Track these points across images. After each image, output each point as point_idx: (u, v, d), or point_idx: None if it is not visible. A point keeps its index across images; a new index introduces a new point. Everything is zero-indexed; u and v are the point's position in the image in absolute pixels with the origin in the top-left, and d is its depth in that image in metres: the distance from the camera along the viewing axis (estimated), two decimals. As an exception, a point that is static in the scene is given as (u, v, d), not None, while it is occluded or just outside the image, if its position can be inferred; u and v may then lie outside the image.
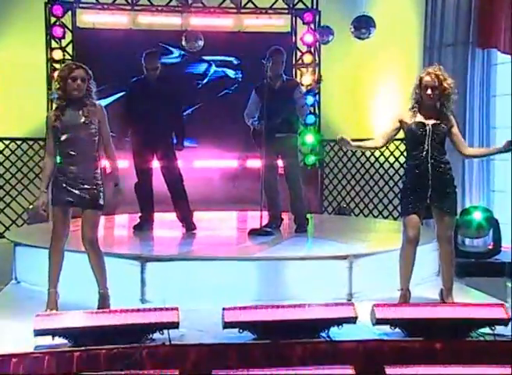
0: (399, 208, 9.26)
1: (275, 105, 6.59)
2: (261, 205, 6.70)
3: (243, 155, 9.77)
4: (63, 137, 4.69)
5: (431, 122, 4.91)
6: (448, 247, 5.04)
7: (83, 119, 4.70)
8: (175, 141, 7.05)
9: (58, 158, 4.82)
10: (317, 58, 10.20)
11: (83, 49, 9.53)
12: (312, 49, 10.21)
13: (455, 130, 5.00)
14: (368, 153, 10.04)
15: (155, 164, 7.01)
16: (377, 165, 10.08)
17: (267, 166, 6.77)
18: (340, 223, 8.38)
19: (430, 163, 4.88)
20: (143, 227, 6.96)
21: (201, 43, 9.34)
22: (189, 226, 6.93)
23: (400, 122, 5.01)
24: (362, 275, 5.55)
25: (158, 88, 6.84)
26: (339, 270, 5.51)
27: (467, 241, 8.16)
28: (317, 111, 10.16)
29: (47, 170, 4.79)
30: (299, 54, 10.28)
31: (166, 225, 7.35)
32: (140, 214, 7.07)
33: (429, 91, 4.88)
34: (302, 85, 8.29)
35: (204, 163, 9.81)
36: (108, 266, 4.92)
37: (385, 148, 9.74)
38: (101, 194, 4.80)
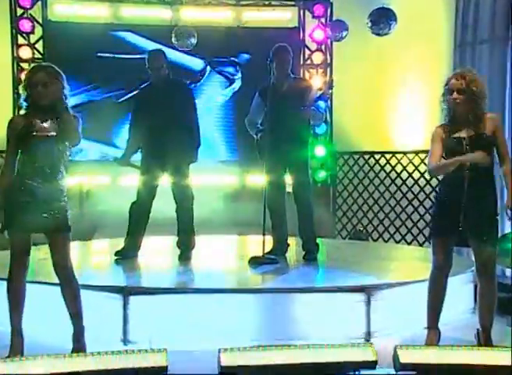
0: (425, 231, 9.36)
1: (282, 110, 6.57)
2: (264, 229, 6.66)
3: (243, 169, 9.76)
4: (29, 151, 4.65)
5: (468, 135, 4.89)
6: (488, 282, 4.98)
7: (52, 132, 4.66)
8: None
9: (19, 174, 4.73)
10: (328, 58, 10.21)
11: (56, 46, 9.54)
12: (323, 47, 10.23)
13: (498, 135, 4.94)
14: (388, 168, 10.02)
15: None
16: (398, 181, 10.05)
17: (272, 183, 6.74)
18: (356, 250, 8.35)
19: (467, 183, 4.85)
20: (127, 254, 6.91)
21: (194, 40, 9.34)
22: (185, 256, 6.91)
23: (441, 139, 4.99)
24: (382, 311, 5.50)
25: (167, 91, 6.83)
26: (355, 305, 5.46)
27: (508, 271, 8.09)
28: (328, 119, 10.15)
29: (3, 183, 4.71)
30: (308, 52, 10.29)
31: (153, 252, 7.30)
32: (125, 238, 7.01)
33: (454, 95, 4.87)
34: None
35: (198, 180, 9.74)
36: (85, 300, 4.86)
37: (408, 161, 9.84)
38: (68, 214, 4.76)
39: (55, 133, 4.67)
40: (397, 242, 9.93)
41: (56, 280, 4.79)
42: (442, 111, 5.02)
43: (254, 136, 6.85)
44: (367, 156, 10.27)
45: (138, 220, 6.94)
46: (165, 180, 6.98)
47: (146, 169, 6.91)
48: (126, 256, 6.88)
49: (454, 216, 4.88)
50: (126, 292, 5.35)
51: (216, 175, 9.88)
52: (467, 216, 4.86)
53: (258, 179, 8.55)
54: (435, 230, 5.04)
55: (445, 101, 4.95)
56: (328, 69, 10.18)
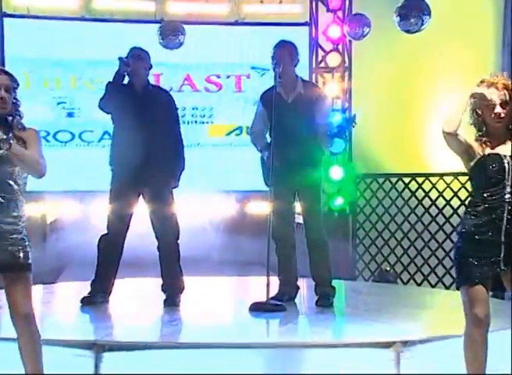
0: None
1: (288, 123, 6.57)
2: (268, 268, 6.65)
3: (244, 196, 9.79)
4: None
5: (509, 153, 4.87)
6: None
7: (1, 152, 4.62)
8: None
9: None
10: (346, 60, 10.25)
11: (13, 45, 9.60)
12: (340, 47, 10.28)
13: None
14: (420, 194, 9.98)
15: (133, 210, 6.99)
16: (434, 211, 10.01)
17: (279, 212, 6.75)
18: (382, 295, 8.35)
19: (507, 210, 4.81)
20: (95, 299, 6.90)
21: (183, 38, 9.36)
22: (172, 302, 6.89)
23: (469, 148, 4.95)
24: (415, 370, 5.44)
25: (147, 97, 6.88)
26: (383, 363, 5.42)
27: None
28: (347, 134, 10.16)
29: None
30: (321, 53, 10.33)
31: (133, 297, 7.28)
32: (92, 280, 6.99)
33: (498, 109, 4.83)
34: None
35: (191, 208, 9.75)
36: (48, 357, 4.80)
37: (445, 185, 9.79)
38: (29, 250, 4.72)
39: (7, 152, 4.63)
40: (433, 286, 9.90)
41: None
42: (473, 125, 4.97)
43: (260, 152, 6.84)
44: (394, 179, 10.26)
45: (108, 257, 6.96)
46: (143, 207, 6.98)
47: (118, 192, 6.89)
48: (93, 302, 6.87)
49: (494, 256, 4.82)
50: (98, 348, 5.32)
51: (211, 204, 9.90)
52: (508, 252, 4.82)
53: (262, 207, 8.54)
54: (469, 277, 4.83)
55: (478, 117, 4.88)
56: (347, 74, 10.22)
